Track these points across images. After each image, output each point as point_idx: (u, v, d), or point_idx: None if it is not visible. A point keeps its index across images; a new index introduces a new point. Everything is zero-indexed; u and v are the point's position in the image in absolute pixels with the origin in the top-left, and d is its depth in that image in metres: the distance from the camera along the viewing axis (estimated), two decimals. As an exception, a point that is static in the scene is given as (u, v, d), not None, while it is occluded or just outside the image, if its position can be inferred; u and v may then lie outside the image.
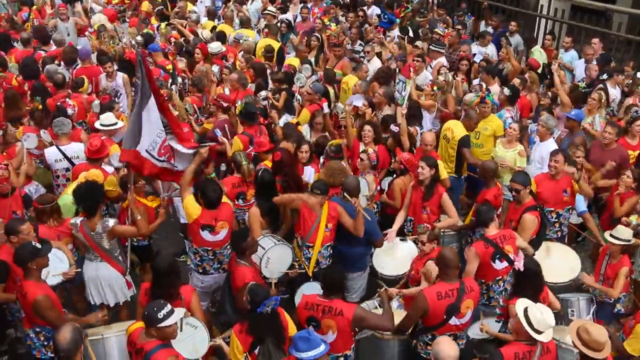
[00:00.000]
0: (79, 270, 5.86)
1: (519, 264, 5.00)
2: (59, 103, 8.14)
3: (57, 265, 5.44)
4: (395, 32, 11.60)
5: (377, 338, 5.24)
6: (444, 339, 4.45)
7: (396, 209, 6.95)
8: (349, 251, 6.21)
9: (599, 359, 4.37)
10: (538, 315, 4.45)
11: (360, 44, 11.07)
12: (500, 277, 5.77)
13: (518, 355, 4.47)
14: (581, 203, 6.93)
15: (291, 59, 10.21)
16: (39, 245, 4.98)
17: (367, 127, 7.48)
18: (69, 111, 7.90)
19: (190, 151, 5.86)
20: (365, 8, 13.24)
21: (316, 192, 5.96)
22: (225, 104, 8.12)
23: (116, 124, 7.59)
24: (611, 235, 5.81)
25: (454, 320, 4.96)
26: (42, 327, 5.04)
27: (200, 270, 5.95)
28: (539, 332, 4.44)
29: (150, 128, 5.65)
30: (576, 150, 7.15)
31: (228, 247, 5.92)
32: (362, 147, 7.42)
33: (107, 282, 5.85)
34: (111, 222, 5.75)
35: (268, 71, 9.76)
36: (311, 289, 5.64)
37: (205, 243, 5.81)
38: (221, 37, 10.84)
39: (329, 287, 4.91)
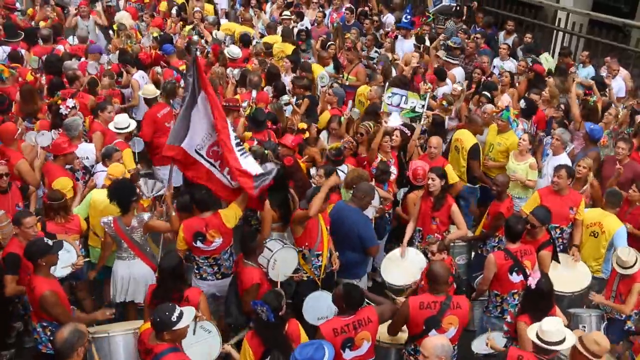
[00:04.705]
0: (88, 259, 5.91)
1: (533, 281, 4.90)
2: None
3: (65, 256, 5.43)
4: (411, 41, 11.58)
5: (376, 346, 5.18)
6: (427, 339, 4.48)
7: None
8: (343, 257, 6.22)
9: None
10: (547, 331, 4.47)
11: (376, 51, 11.05)
12: (515, 291, 5.74)
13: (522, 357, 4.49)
14: (622, 239, 6.38)
15: (314, 66, 10.13)
16: (50, 243, 5.01)
17: (386, 138, 7.47)
18: (62, 110, 7.77)
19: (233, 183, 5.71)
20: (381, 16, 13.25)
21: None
22: (230, 104, 8.10)
23: (129, 126, 7.57)
24: (618, 265, 5.73)
25: (434, 334, 4.86)
26: (49, 322, 5.08)
27: (198, 277, 5.93)
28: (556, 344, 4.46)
29: (200, 127, 5.62)
30: (581, 162, 7.03)
31: (228, 250, 5.89)
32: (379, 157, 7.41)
33: (140, 279, 5.84)
34: (146, 216, 5.79)
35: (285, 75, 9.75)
36: (318, 298, 5.66)
37: (202, 252, 5.79)
38: (245, 40, 10.82)
39: (350, 305, 4.82)
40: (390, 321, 5.26)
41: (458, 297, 5.08)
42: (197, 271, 5.91)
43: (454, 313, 4.93)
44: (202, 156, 5.74)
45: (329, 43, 10.86)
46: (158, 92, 8.46)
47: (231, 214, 5.77)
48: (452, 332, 4.95)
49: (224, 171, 5.75)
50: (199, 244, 5.71)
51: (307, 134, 7.60)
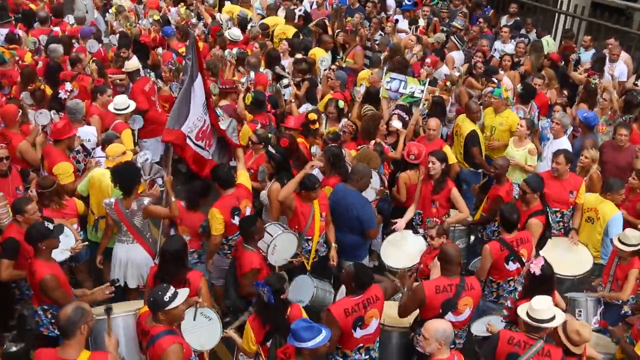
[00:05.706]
0: (87, 243, 5.92)
1: (536, 268, 4.87)
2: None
3: (63, 240, 5.42)
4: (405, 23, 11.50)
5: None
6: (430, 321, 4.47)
7: (403, 203, 6.92)
8: (343, 239, 6.24)
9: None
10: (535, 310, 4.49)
11: (380, 34, 10.98)
12: (511, 278, 5.77)
13: (513, 339, 4.54)
14: (618, 226, 6.35)
15: (315, 50, 10.09)
16: (50, 226, 5.00)
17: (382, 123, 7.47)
18: (61, 95, 7.87)
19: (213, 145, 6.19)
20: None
21: (315, 188, 5.98)
22: (226, 86, 8.11)
23: (128, 107, 7.57)
24: (619, 241, 5.72)
25: (450, 317, 4.93)
26: (50, 305, 5.10)
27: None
28: (546, 321, 4.46)
29: (195, 111, 5.74)
30: (586, 152, 6.99)
31: None
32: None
33: (137, 264, 5.86)
34: (146, 200, 5.79)
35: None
36: (304, 283, 5.71)
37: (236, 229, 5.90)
38: (243, 24, 10.72)
39: (360, 284, 4.81)
40: (391, 302, 5.31)
41: (470, 279, 5.13)
42: (228, 252, 6.06)
43: (468, 294, 4.98)
44: (190, 139, 5.84)
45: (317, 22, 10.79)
46: (139, 65, 8.52)
47: (245, 178, 6.13)
48: (467, 313, 5.04)
49: (207, 147, 6.01)
50: (236, 219, 5.89)
51: (317, 125, 7.52)
